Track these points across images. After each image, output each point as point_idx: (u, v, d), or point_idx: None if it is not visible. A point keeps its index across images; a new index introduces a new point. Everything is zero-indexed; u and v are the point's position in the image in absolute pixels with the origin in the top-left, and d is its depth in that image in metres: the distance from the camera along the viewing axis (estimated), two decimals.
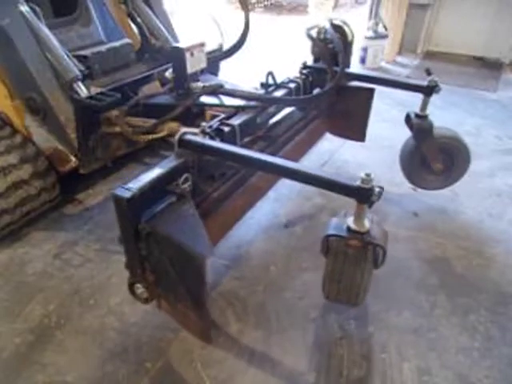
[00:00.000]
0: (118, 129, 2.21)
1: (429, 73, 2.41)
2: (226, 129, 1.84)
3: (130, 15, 3.08)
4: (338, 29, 2.41)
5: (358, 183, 1.33)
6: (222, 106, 2.19)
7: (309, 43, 2.56)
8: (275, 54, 5.90)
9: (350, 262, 1.48)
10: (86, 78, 2.48)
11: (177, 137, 1.60)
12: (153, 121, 2.09)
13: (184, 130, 1.63)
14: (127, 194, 1.36)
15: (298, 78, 2.48)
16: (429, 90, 2.37)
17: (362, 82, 2.66)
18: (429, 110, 2.49)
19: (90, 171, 2.43)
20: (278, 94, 2.27)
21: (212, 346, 1.79)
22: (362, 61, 5.66)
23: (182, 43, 2.35)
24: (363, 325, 1.91)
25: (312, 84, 2.58)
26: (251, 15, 2.60)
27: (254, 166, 1.73)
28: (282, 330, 1.88)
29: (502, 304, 2.02)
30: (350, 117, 2.80)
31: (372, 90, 2.68)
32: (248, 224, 2.51)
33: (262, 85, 2.31)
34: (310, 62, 2.64)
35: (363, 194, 1.34)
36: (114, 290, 2.08)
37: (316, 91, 2.60)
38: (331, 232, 1.49)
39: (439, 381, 1.68)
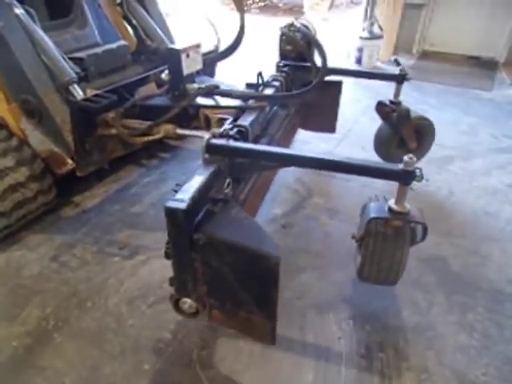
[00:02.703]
0: (114, 131, 2.21)
1: (398, 63, 2.66)
2: (244, 130, 1.84)
3: (125, 17, 3.09)
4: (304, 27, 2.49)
5: (401, 166, 1.41)
6: (218, 107, 2.20)
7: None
8: (270, 55, 5.90)
9: (391, 241, 1.55)
10: (82, 80, 2.48)
11: (204, 143, 1.56)
12: (148, 123, 2.09)
13: (207, 135, 1.60)
14: (183, 206, 1.32)
15: (280, 76, 2.51)
16: (400, 78, 2.57)
17: (337, 76, 2.76)
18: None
19: (86, 173, 2.43)
20: (268, 92, 2.29)
21: (210, 347, 1.80)
22: (358, 61, 5.69)
23: (178, 45, 2.35)
24: (361, 324, 1.92)
25: (291, 81, 2.64)
26: (246, 16, 2.61)
27: (293, 162, 1.74)
28: (281, 330, 1.87)
29: (498, 302, 2.03)
30: (320, 110, 2.91)
31: (340, 83, 2.83)
32: None
33: (248, 85, 2.33)
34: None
35: (407, 176, 1.42)
36: (112, 291, 2.07)
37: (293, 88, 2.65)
38: (374, 215, 1.54)
39: (437, 379, 1.68)
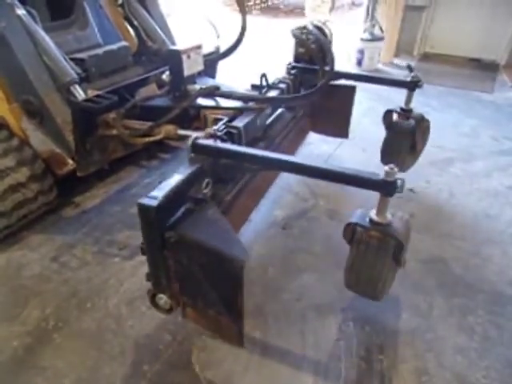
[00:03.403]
0: (115, 131, 2.21)
1: (411, 69, 2.54)
2: (235, 131, 1.85)
3: (126, 18, 3.10)
4: (318, 29, 2.46)
5: (382, 177, 1.36)
6: (218, 108, 2.20)
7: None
8: (270, 56, 5.91)
9: (371, 252, 1.50)
10: (83, 80, 2.49)
11: (190, 142, 1.58)
12: (149, 123, 2.10)
13: (195, 135, 1.61)
14: (154, 203, 1.33)
15: (287, 78, 2.51)
16: (412, 85, 2.49)
17: (348, 80, 2.73)
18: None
19: (87, 174, 2.43)
20: (272, 94, 2.29)
21: (210, 349, 1.79)
22: (359, 63, 5.69)
23: (179, 46, 2.36)
24: (361, 326, 1.91)
25: (299, 84, 2.62)
26: (248, 17, 2.61)
27: (275, 166, 1.72)
28: (280, 332, 1.88)
29: (499, 304, 2.03)
30: (333, 114, 2.87)
31: (353, 88, 2.77)
32: (246, 226, 2.50)
33: (253, 86, 2.33)
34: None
35: (387, 187, 1.37)
36: (112, 292, 2.08)
37: (302, 90, 2.64)
38: (354, 221, 1.51)
39: (438, 381, 1.68)
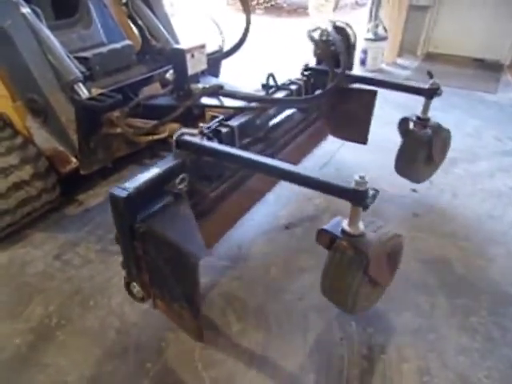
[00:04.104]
0: (118, 130, 2.21)
1: (431, 76, 2.41)
2: (225, 130, 1.86)
3: (130, 17, 3.10)
4: (340, 31, 2.41)
5: (352, 185, 1.30)
6: (222, 107, 2.20)
7: (308, 45, 2.58)
8: (275, 56, 5.91)
9: (341, 262, 1.47)
10: (87, 79, 2.49)
11: (174, 137, 1.62)
12: (153, 122, 2.10)
13: (182, 130, 1.64)
14: (123, 194, 1.39)
15: (299, 79, 2.49)
16: (430, 93, 2.38)
17: (364, 85, 2.67)
18: (429, 112, 2.50)
19: (90, 172, 2.43)
20: (279, 95, 2.28)
21: (212, 347, 1.80)
22: (363, 63, 5.67)
23: (183, 45, 2.36)
24: (363, 326, 1.91)
25: (313, 86, 2.59)
26: (251, 17, 2.61)
27: (250, 167, 1.74)
28: (282, 331, 1.88)
29: (502, 305, 2.02)
30: (352, 119, 2.81)
31: (374, 92, 2.70)
32: (248, 225, 2.51)
33: (263, 86, 2.32)
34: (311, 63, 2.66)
35: (357, 197, 1.32)
36: (115, 290, 2.08)
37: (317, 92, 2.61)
38: (326, 227, 1.49)
39: (439, 381, 1.68)
